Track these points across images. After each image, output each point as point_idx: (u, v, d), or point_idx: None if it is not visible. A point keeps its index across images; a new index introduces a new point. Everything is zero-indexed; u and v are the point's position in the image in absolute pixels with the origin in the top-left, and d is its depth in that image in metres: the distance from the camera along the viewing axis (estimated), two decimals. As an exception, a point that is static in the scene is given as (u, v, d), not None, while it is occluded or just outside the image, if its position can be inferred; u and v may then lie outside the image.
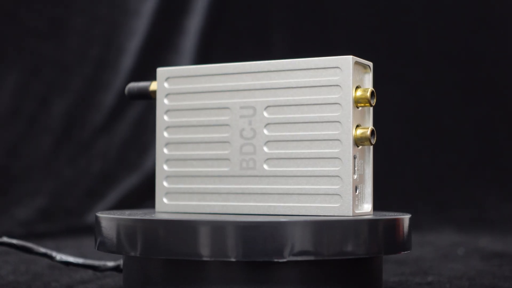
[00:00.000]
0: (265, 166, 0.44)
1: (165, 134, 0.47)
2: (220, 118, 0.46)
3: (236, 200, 0.45)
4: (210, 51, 1.12)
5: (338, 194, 0.43)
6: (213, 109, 0.46)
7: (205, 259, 0.39)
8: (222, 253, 0.39)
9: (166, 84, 0.48)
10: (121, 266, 0.49)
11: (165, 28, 1.11)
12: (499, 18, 1.22)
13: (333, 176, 0.43)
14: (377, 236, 0.41)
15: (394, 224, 0.42)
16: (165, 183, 0.47)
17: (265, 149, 0.44)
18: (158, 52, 1.11)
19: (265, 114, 0.45)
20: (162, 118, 0.47)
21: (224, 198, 0.46)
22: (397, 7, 1.21)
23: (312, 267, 0.40)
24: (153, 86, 0.48)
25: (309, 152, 0.44)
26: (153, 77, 1.22)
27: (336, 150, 0.43)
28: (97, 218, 0.44)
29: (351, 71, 0.44)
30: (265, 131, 0.44)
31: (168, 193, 0.47)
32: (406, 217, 0.44)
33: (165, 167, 0.47)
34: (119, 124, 1.08)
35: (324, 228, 0.39)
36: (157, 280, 0.42)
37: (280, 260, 0.39)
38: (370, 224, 0.41)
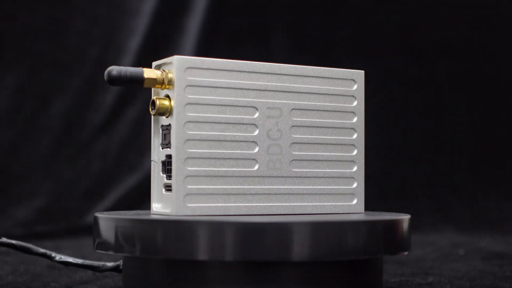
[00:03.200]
0: (291, 167, 0.46)
1: (186, 129, 0.43)
2: (247, 117, 0.45)
3: (262, 201, 0.45)
4: (210, 51, 1.12)
5: (353, 194, 0.48)
6: (239, 107, 0.44)
7: (204, 259, 0.39)
8: (221, 254, 0.39)
9: (186, 75, 0.44)
10: (121, 267, 0.48)
11: (165, 28, 1.11)
12: (499, 18, 1.22)
13: (349, 177, 0.48)
14: (376, 236, 0.41)
15: (394, 225, 0.42)
16: (186, 184, 0.43)
17: (291, 150, 0.46)
18: (158, 52, 1.11)
19: (291, 116, 0.46)
20: (182, 112, 0.43)
21: (249, 199, 0.45)
22: (397, 7, 1.21)
23: (312, 267, 0.40)
24: (149, 73, 0.44)
25: (328, 155, 0.47)
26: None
27: (352, 154, 0.48)
28: (95, 218, 0.44)
29: (363, 84, 0.49)
30: (291, 133, 0.46)
31: (189, 194, 0.43)
32: (405, 218, 0.44)
33: (186, 166, 0.43)
34: (118, 124, 1.08)
35: (324, 229, 0.39)
36: (156, 281, 0.42)
37: (280, 261, 0.39)
38: (370, 225, 0.41)
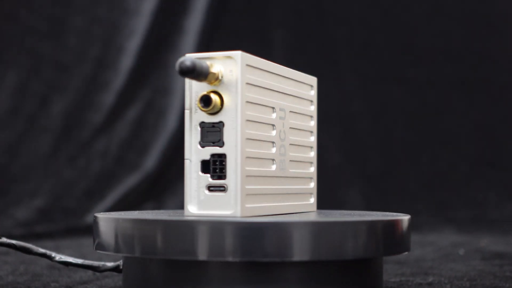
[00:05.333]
0: (289, 168, 0.47)
1: (245, 128, 0.42)
2: (270, 117, 0.45)
3: (280, 200, 0.46)
4: (210, 51, 1.12)
5: (311, 193, 0.51)
6: (266, 107, 0.44)
7: (204, 259, 0.39)
8: (221, 254, 0.39)
9: (245, 72, 0.42)
10: (121, 267, 0.49)
11: (165, 28, 1.11)
12: (499, 18, 1.22)
13: (310, 177, 0.50)
14: (376, 236, 0.41)
15: (394, 225, 0.42)
16: (245, 184, 0.42)
17: (289, 151, 0.47)
18: (158, 52, 1.11)
19: (289, 118, 0.47)
20: (243, 110, 0.42)
21: (268, 199, 0.45)
22: (397, 7, 1.21)
23: (312, 267, 0.40)
24: (215, 69, 0.41)
25: (304, 156, 0.49)
26: (153, 77, 1.21)
27: (311, 155, 0.51)
28: (95, 218, 0.44)
29: (316, 89, 0.52)
30: (290, 135, 0.47)
31: (248, 194, 0.42)
32: (405, 218, 0.44)
33: (246, 166, 0.42)
34: (119, 124, 1.08)
35: (324, 229, 0.39)
36: (156, 281, 0.42)
37: (280, 261, 0.39)
38: (370, 225, 0.41)
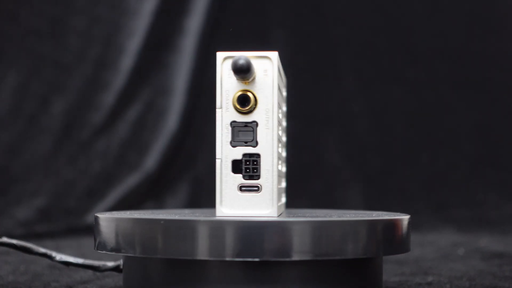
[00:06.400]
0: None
1: (280, 127, 0.43)
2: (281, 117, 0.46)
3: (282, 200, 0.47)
4: (210, 51, 1.12)
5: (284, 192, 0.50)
6: (280, 107, 0.45)
7: (204, 258, 0.39)
8: (222, 253, 0.39)
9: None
10: (121, 266, 0.49)
11: (165, 28, 1.11)
12: (499, 18, 1.22)
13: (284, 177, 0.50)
14: (376, 236, 0.41)
15: (394, 224, 0.42)
16: (277, 184, 0.43)
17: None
18: (158, 52, 1.11)
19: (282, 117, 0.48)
20: (279, 110, 0.43)
21: (281, 199, 0.47)
22: (397, 7, 1.21)
23: (312, 267, 0.40)
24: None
25: (283, 155, 0.50)
26: (153, 77, 1.21)
27: (284, 154, 0.51)
28: (96, 218, 0.44)
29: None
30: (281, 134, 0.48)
31: (279, 194, 0.43)
32: (405, 218, 0.44)
33: (279, 165, 0.43)
34: (119, 124, 1.08)
35: (324, 228, 0.40)
36: (157, 280, 0.42)
37: (280, 260, 0.39)
38: (370, 224, 0.41)
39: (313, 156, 1.15)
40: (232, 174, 0.42)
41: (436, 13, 1.22)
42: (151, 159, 1.08)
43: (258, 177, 0.41)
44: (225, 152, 0.42)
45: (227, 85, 0.42)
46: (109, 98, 1.07)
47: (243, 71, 0.40)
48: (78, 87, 1.07)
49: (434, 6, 1.22)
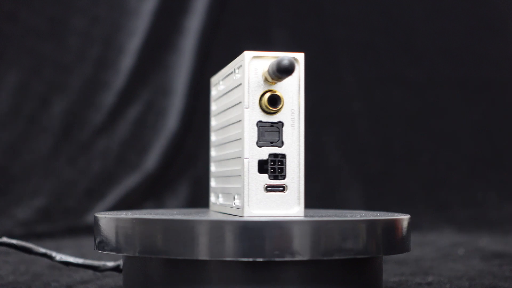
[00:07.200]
0: None
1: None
2: None
3: None
4: (210, 51, 1.12)
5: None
6: None
7: (204, 258, 0.39)
8: (222, 253, 0.39)
9: None
10: (121, 266, 0.49)
11: (165, 28, 1.11)
12: (499, 18, 1.22)
13: None
14: (376, 236, 0.41)
15: (394, 224, 0.42)
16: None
17: None
18: (158, 52, 1.11)
19: None
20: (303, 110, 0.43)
21: None
22: (397, 7, 1.21)
23: (312, 267, 0.40)
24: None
25: None
26: (153, 77, 1.21)
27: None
28: (96, 218, 0.44)
29: None
30: None
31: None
32: (405, 218, 0.44)
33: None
34: (119, 124, 1.08)
35: (323, 228, 0.40)
36: (157, 280, 0.42)
37: (280, 260, 0.39)
38: (370, 224, 0.41)
39: (313, 156, 1.15)
40: (258, 174, 0.42)
41: (437, 13, 1.22)
42: (151, 159, 1.08)
43: (283, 177, 0.42)
44: (252, 152, 0.42)
45: (253, 84, 0.42)
46: (109, 98, 1.07)
47: (288, 71, 0.40)
48: (78, 87, 1.07)
49: (434, 6, 1.22)
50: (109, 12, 1.09)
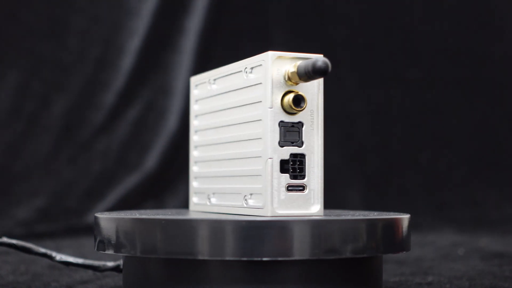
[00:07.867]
0: None
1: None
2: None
3: None
4: (210, 51, 1.12)
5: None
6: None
7: (204, 258, 0.39)
8: (221, 252, 0.39)
9: None
10: (121, 266, 0.49)
11: (165, 28, 1.11)
12: (499, 18, 1.22)
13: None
14: (376, 235, 0.41)
15: (394, 224, 0.42)
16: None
17: None
18: (158, 52, 1.11)
19: None
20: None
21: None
22: (397, 7, 1.21)
23: (312, 266, 0.40)
24: None
25: None
26: (153, 77, 1.21)
27: None
28: (96, 218, 0.44)
29: None
30: None
31: None
32: (405, 217, 0.44)
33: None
34: (119, 124, 1.08)
35: (323, 227, 0.40)
36: (157, 280, 0.42)
37: (280, 260, 0.39)
38: (370, 223, 0.41)
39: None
40: (280, 174, 0.41)
41: (436, 13, 1.22)
42: (151, 159, 1.08)
43: (303, 177, 0.42)
44: (274, 152, 0.41)
45: (277, 84, 0.42)
46: (109, 98, 1.08)
47: (323, 72, 0.40)
48: (79, 87, 1.07)
49: (434, 6, 1.22)
50: (109, 12, 1.09)
